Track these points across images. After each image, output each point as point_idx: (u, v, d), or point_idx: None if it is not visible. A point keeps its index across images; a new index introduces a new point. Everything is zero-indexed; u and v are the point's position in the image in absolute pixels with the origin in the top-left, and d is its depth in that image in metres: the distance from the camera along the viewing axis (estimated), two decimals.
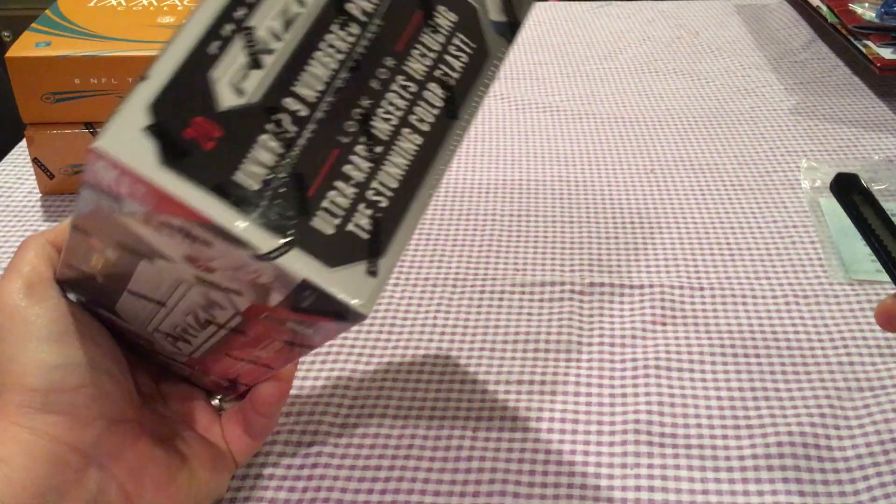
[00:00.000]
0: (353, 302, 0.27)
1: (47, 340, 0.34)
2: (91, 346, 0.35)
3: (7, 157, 0.71)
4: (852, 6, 0.84)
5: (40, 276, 0.36)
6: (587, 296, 0.54)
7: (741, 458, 0.42)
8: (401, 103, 0.29)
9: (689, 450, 0.43)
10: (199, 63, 0.26)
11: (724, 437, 0.44)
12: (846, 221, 0.60)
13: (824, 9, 0.86)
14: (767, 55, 0.88)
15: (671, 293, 0.54)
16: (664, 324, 0.51)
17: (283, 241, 0.26)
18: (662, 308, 0.52)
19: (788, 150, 0.70)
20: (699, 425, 0.44)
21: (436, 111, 0.30)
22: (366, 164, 0.28)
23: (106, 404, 0.35)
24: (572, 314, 0.52)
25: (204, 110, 0.26)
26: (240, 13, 0.27)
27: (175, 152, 0.25)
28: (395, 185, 0.28)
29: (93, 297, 0.36)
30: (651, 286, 0.54)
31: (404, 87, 0.29)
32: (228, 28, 0.26)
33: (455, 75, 0.30)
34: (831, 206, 0.62)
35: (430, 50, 0.30)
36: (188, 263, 0.29)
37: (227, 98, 0.26)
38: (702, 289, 0.54)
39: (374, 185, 0.28)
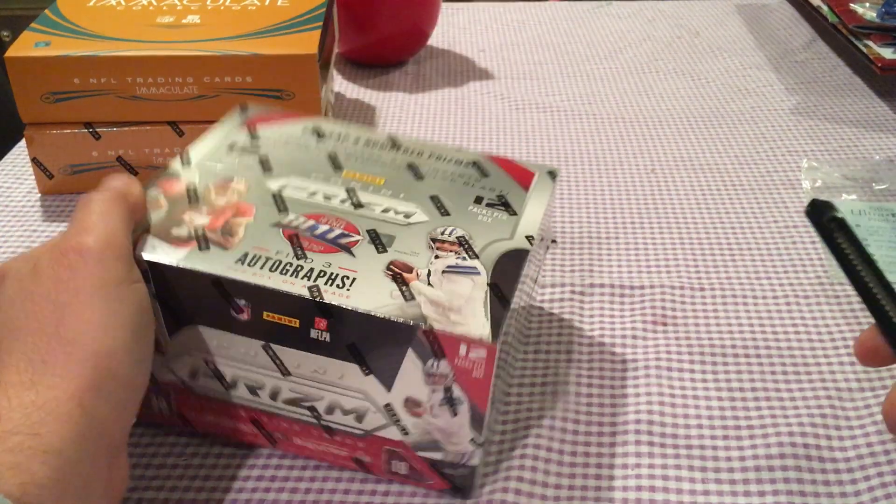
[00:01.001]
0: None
1: (134, 331, 0.34)
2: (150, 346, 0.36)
3: (6, 156, 0.71)
4: (853, 6, 0.84)
5: (129, 254, 0.36)
6: (587, 296, 0.54)
7: (742, 458, 0.42)
8: None
9: (689, 450, 0.43)
10: None
11: (725, 437, 0.43)
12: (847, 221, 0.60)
13: (825, 8, 0.86)
14: (768, 55, 0.88)
15: (671, 293, 0.54)
16: (664, 324, 0.51)
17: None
18: (663, 308, 0.52)
19: (789, 149, 0.70)
20: (700, 426, 0.44)
21: None
22: None
23: (137, 405, 0.36)
24: (573, 315, 0.52)
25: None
26: None
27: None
28: None
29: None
30: (651, 286, 0.54)
31: None
32: None
33: None
34: None
35: None
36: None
37: None
38: (702, 289, 0.54)
39: None
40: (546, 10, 1.00)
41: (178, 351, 0.39)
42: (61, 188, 0.64)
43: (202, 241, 0.38)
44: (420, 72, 0.85)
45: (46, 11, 0.66)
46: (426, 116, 0.76)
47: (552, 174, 0.46)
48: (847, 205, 0.62)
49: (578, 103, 0.78)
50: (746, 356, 0.49)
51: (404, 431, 0.38)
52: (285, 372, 0.38)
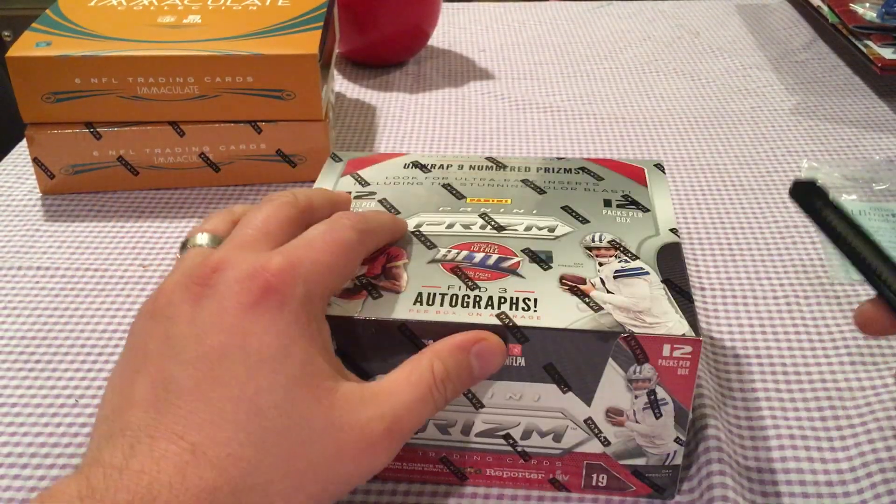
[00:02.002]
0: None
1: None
2: None
3: (7, 156, 0.71)
4: (853, 6, 0.84)
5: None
6: None
7: (743, 458, 0.42)
8: None
9: None
10: None
11: (725, 437, 0.43)
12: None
13: (825, 9, 0.86)
14: (768, 55, 0.88)
15: None
16: None
17: None
18: None
19: (789, 150, 0.70)
20: None
21: None
22: None
23: None
24: None
25: None
26: None
27: None
28: None
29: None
30: None
31: None
32: None
33: None
34: None
35: None
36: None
37: None
38: (702, 289, 0.54)
39: None
40: (546, 11, 1.00)
41: None
42: (62, 188, 0.64)
43: (372, 290, 0.37)
44: (421, 72, 0.85)
45: (47, 11, 0.66)
46: (427, 116, 0.76)
47: (659, 167, 0.47)
48: (847, 205, 0.62)
49: (579, 103, 0.79)
50: (746, 356, 0.49)
51: (606, 443, 0.38)
52: (479, 405, 0.38)
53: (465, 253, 0.40)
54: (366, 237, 0.37)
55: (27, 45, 0.61)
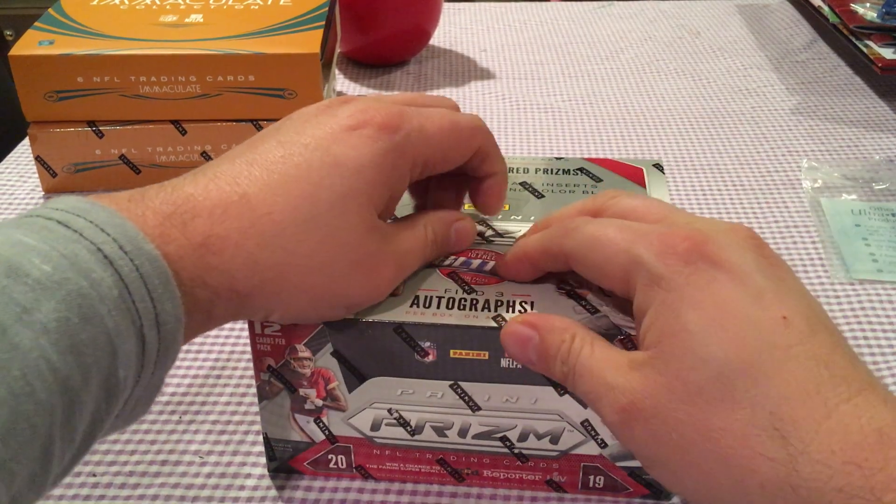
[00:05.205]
0: None
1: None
2: None
3: (10, 155, 0.71)
4: (853, 6, 0.84)
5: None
6: None
7: None
8: None
9: None
10: None
11: None
12: (847, 221, 0.60)
13: (826, 9, 0.86)
14: (769, 55, 0.88)
15: None
16: None
17: None
18: None
19: (790, 149, 0.70)
20: None
21: None
22: None
23: None
24: None
25: None
26: None
27: None
28: None
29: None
30: None
31: None
32: None
33: None
34: (832, 206, 0.62)
35: None
36: None
37: None
38: None
39: None
40: (548, 11, 1.00)
41: (358, 406, 0.38)
42: (65, 186, 0.64)
43: None
44: (422, 71, 0.85)
45: (50, 10, 0.66)
46: None
47: (658, 167, 0.47)
48: (847, 205, 0.62)
49: (580, 103, 0.79)
50: None
51: (602, 444, 0.38)
52: (475, 407, 0.38)
53: (462, 259, 0.40)
54: (472, 139, 0.38)
55: (30, 44, 0.61)
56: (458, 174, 0.40)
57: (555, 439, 0.38)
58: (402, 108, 0.36)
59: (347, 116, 0.35)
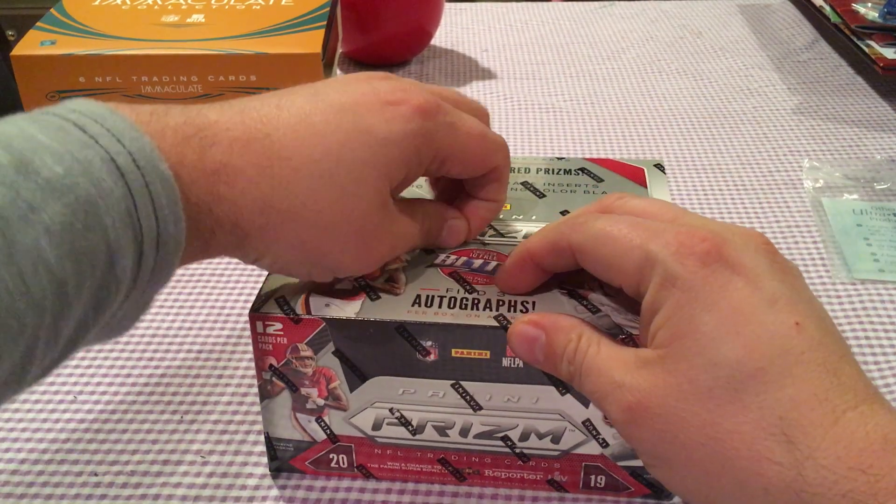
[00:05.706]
0: None
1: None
2: None
3: None
4: (855, 6, 0.84)
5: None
6: None
7: None
8: None
9: None
10: None
11: None
12: (849, 221, 0.60)
13: (827, 9, 0.86)
14: (770, 55, 0.88)
15: None
16: None
17: None
18: None
19: (791, 149, 0.70)
20: None
21: None
22: None
23: None
24: None
25: None
26: None
27: None
28: None
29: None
30: None
31: None
32: None
33: None
34: (834, 205, 0.62)
35: None
36: None
37: None
38: None
39: None
40: (549, 11, 1.00)
41: (360, 405, 0.38)
42: None
43: (370, 292, 0.38)
44: (423, 71, 0.85)
45: (52, 10, 0.66)
46: None
47: (659, 167, 0.47)
48: (849, 204, 0.62)
49: (581, 103, 0.79)
50: None
51: (604, 444, 0.38)
52: (476, 407, 0.38)
53: (463, 259, 0.40)
54: (494, 154, 0.38)
55: (32, 44, 0.61)
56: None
57: (556, 439, 0.38)
58: (440, 100, 0.36)
59: (387, 91, 0.35)
